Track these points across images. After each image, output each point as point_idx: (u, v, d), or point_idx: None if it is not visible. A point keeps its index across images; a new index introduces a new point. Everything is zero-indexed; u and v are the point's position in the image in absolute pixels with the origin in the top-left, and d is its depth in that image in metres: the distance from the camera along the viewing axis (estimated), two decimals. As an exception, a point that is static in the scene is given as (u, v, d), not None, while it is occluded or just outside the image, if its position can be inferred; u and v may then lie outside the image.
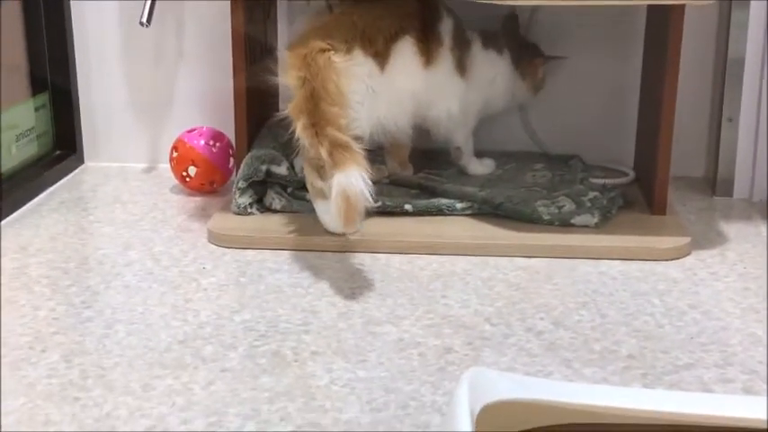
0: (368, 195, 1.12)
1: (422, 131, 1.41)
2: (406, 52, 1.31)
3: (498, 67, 1.45)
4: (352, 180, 1.11)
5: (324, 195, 1.23)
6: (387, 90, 1.29)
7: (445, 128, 1.41)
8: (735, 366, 0.97)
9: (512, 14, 1.47)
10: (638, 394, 0.84)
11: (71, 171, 1.61)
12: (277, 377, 0.95)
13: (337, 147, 1.15)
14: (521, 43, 1.48)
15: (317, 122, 1.18)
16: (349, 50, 1.25)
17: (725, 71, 1.46)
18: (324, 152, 1.15)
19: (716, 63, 1.53)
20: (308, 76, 1.21)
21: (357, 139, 1.18)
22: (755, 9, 1.41)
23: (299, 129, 1.19)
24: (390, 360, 0.98)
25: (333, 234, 1.26)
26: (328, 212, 1.21)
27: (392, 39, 1.30)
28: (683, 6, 1.25)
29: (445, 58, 1.35)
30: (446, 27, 1.36)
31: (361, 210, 1.13)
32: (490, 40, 1.44)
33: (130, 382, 0.94)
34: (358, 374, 0.95)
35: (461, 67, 1.38)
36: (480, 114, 1.45)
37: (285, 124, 1.41)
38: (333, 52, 1.23)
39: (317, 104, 1.19)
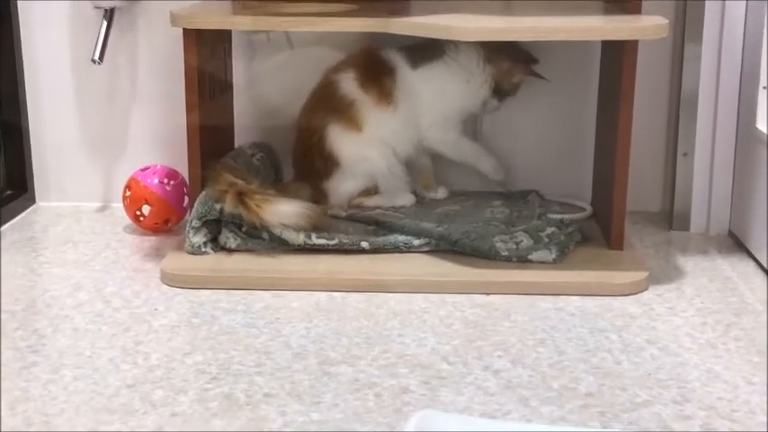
0: (295, 211, 1.29)
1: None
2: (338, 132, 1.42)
3: (439, 78, 1.44)
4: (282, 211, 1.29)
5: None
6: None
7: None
8: (693, 403, 0.96)
9: None
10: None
11: (22, 211, 1.58)
12: (228, 420, 0.92)
13: (260, 201, 1.29)
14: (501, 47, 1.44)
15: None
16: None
17: (679, 106, 1.47)
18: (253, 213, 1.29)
19: (670, 98, 1.54)
20: None
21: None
22: (708, 44, 1.42)
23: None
24: (345, 401, 0.96)
25: (287, 272, 1.26)
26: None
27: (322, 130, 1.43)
28: (636, 42, 1.26)
29: (357, 108, 1.42)
30: (346, 78, 1.42)
31: (304, 222, 1.30)
32: (420, 56, 1.43)
33: (76, 429, 0.91)
34: (312, 417, 0.93)
35: (386, 100, 1.42)
36: (461, 117, 1.48)
37: (241, 159, 1.41)
38: None
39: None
